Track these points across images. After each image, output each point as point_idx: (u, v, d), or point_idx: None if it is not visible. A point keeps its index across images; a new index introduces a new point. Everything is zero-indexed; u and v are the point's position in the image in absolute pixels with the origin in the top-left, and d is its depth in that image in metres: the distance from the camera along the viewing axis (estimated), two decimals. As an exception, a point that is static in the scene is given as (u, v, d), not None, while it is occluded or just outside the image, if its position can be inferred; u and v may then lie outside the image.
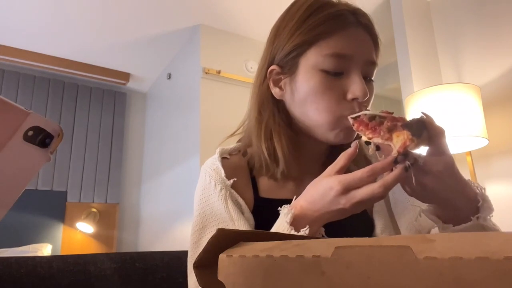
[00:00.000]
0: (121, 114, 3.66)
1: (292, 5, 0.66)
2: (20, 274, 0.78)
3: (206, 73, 2.56)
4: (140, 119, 3.79)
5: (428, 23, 2.31)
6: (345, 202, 0.48)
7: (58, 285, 0.82)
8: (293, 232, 0.50)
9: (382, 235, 0.66)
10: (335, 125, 0.60)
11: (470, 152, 1.79)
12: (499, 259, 0.17)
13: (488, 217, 0.53)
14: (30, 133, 0.34)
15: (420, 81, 2.13)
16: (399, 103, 3.03)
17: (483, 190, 0.54)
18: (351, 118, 0.55)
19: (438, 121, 0.51)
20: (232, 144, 0.74)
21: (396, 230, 0.67)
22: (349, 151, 0.52)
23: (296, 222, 0.51)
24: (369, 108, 0.63)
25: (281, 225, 0.52)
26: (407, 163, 0.46)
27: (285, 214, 0.52)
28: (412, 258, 0.19)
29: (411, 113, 1.79)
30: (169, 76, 3.20)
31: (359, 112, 0.57)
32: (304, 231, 0.50)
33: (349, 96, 0.59)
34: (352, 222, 0.63)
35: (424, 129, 0.48)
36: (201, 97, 2.54)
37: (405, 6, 2.26)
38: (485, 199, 0.53)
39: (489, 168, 1.90)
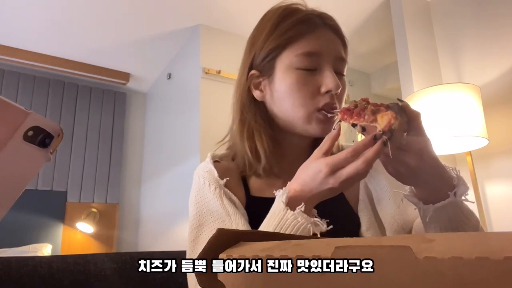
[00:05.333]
0: (121, 114, 3.66)
1: (265, 15, 0.72)
2: (20, 274, 0.78)
3: (206, 73, 2.56)
4: (140, 119, 3.78)
5: (428, 23, 2.31)
6: (333, 181, 0.52)
7: (58, 285, 0.82)
8: (289, 211, 0.53)
9: (367, 232, 0.69)
10: (311, 118, 0.65)
11: (470, 152, 1.79)
12: (499, 259, 0.17)
13: (464, 195, 0.56)
14: (30, 133, 0.34)
15: (420, 81, 2.13)
16: (399, 103, 3.03)
17: (458, 172, 0.57)
18: (338, 111, 0.59)
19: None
20: (223, 151, 0.79)
21: (381, 227, 0.70)
22: (333, 133, 0.56)
23: (291, 203, 0.54)
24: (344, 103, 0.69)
25: (277, 206, 0.55)
26: (385, 137, 0.49)
27: (280, 196, 0.55)
28: (412, 258, 0.19)
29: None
30: (169, 76, 3.20)
31: (332, 103, 0.64)
32: (300, 209, 0.53)
33: (323, 89, 0.64)
34: (340, 221, 0.66)
35: (404, 113, 0.52)
36: (201, 97, 2.54)
37: (405, 6, 2.26)
38: (461, 179, 0.56)
39: (489, 168, 1.90)
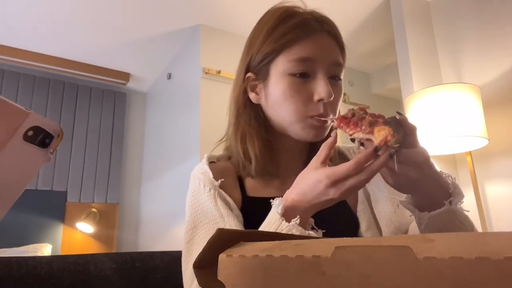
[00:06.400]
0: (121, 114, 3.66)
1: (263, 17, 0.72)
2: (20, 274, 0.78)
3: (206, 73, 2.56)
4: (140, 119, 3.78)
5: (428, 23, 2.31)
6: (334, 192, 0.51)
7: (58, 285, 0.82)
8: (284, 222, 0.53)
9: (367, 232, 0.70)
10: (304, 125, 0.65)
11: (470, 152, 1.79)
12: (499, 259, 0.17)
13: (459, 203, 0.56)
14: (30, 133, 0.34)
15: (420, 81, 2.13)
16: (399, 103, 3.03)
17: (454, 180, 0.58)
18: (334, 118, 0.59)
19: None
20: (221, 151, 0.79)
21: (379, 228, 0.71)
22: (329, 140, 0.56)
23: (287, 213, 0.54)
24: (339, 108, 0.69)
25: (273, 216, 0.55)
26: (392, 150, 0.49)
27: (276, 206, 0.55)
28: (412, 258, 0.19)
29: (411, 113, 1.80)
30: (169, 76, 3.20)
31: (324, 114, 0.64)
32: (295, 221, 0.52)
33: (316, 97, 0.64)
34: (339, 221, 0.68)
35: (401, 128, 0.51)
36: (201, 97, 2.54)
37: (405, 6, 2.26)
38: (456, 187, 0.57)
39: (489, 168, 1.90)
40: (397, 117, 0.53)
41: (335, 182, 0.51)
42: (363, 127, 0.52)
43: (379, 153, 0.50)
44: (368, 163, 0.50)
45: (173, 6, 2.50)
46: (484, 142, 1.72)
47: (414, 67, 2.14)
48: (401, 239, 0.22)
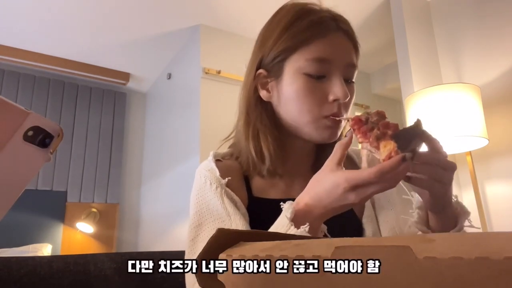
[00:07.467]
0: (121, 114, 3.66)
1: (277, 12, 0.69)
2: (20, 274, 0.78)
3: (206, 73, 2.56)
4: (140, 119, 3.78)
5: (428, 23, 2.31)
6: (354, 198, 0.49)
7: (58, 285, 0.82)
8: (292, 228, 0.51)
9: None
10: (318, 125, 0.64)
11: (470, 152, 1.79)
12: (499, 259, 0.17)
13: (467, 220, 0.57)
14: (30, 133, 0.34)
15: (420, 81, 2.13)
16: (399, 103, 3.03)
17: (456, 198, 0.58)
18: (350, 118, 0.57)
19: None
20: (226, 149, 0.78)
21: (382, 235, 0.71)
22: (344, 141, 0.54)
23: (297, 218, 0.52)
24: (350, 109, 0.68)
25: (281, 221, 0.53)
26: (408, 154, 0.47)
27: (286, 210, 0.53)
28: (412, 258, 0.19)
29: (411, 113, 1.79)
30: (169, 76, 3.20)
31: (338, 114, 0.63)
32: (304, 228, 0.50)
33: (331, 97, 0.63)
34: (344, 227, 0.67)
35: (413, 140, 0.49)
36: (201, 97, 2.54)
37: (405, 6, 2.26)
38: (462, 206, 0.58)
39: (489, 168, 1.90)
40: (410, 131, 0.50)
41: (355, 187, 0.48)
42: (370, 139, 0.50)
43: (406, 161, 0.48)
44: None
45: (173, 6, 2.50)
46: (484, 142, 1.72)
47: (414, 67, 2.14)
48: (401, 239, 0.22)
